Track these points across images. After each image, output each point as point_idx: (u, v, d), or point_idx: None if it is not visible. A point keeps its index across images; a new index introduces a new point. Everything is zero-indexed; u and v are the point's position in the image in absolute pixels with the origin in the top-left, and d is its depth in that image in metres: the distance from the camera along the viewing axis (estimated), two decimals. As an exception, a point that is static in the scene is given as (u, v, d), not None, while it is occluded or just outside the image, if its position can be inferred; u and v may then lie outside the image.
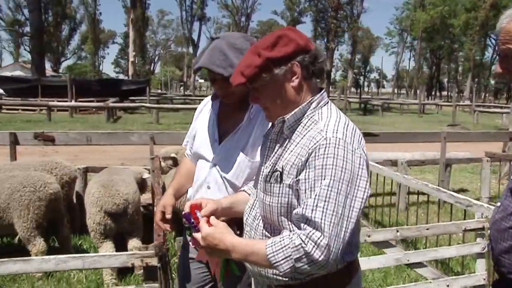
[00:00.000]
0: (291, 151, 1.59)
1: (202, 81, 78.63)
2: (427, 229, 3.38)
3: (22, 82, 26.98)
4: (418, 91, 38.99)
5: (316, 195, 1.45)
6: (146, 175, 4.56)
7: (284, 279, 1.59)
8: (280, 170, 1.58)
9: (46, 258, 2.66)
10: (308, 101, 1.63)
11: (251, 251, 1.54)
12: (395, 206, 6.44)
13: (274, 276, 1.61)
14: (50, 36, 50.63)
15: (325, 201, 1.44)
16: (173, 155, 4.75)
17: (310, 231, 1.43)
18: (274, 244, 1.48)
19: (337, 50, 44.49)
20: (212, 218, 1.68)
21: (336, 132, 1.53)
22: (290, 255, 1.44)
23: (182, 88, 54.31)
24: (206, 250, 1.65)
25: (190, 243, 1.77)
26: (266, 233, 1.67)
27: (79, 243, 5.00)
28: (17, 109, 24.42)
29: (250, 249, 1.54)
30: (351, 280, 1.67)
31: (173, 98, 34.11)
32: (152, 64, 79.32)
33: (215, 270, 2.00)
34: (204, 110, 2.31)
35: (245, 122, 2.12)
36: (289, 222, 1.58)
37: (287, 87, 1.61)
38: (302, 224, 1.47)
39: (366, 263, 3.30)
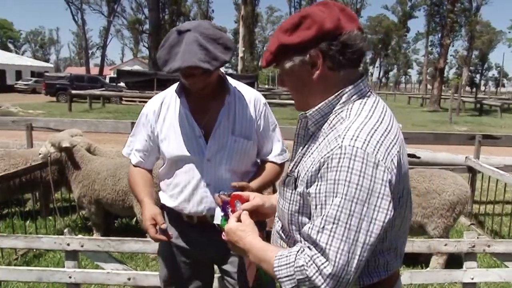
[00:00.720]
0: (311, 154, 1.37)
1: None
2: (559, 244, 3.06)
3: (141, 75, 29.05)
4: (545, 91, 35.22)
5: (324, 215, 1.22)
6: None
7: None
8: (296, 175, 1.39)
9: (163, 240, 2.84)
10: (337, 94, 1.36)
11: (263, 258, 1.37)
12: (516, 216, 5.90)
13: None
14: (166, 33, 53.86)
15: (333, 223, 1.20)
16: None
17: (315, 254, 1.22)
18: (281, 258, 1.29)
19: (452, 46, 41.66)
20: (243, 214, 1.55)
21: (355, 140, 1.23)
22: (293, 274, 1.25)
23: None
24: (228, 245, 1.54)
25: (223, 234, 1.65)
26: (282, 234, 1.53)
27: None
28: (135, 101, 26.41)
29: (262, 256, 1.37)
30: None
31: (280, 93, 34.59)
32: (260, 60, 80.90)
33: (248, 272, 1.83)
34: (163, 111, 2.12)
35: (225, 107, 2.05)
36: (298, 233, 1.39)
37: (306, 79, 1.37)
38: (309, 245, 1.25)
39: (482, 275, 3.09)
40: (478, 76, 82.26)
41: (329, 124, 1.35)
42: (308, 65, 1.35)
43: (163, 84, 26.55)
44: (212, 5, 59.53)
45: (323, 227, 1.21)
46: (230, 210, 1.65)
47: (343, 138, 1.25)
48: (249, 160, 2.14)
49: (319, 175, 1.27)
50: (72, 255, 2.81)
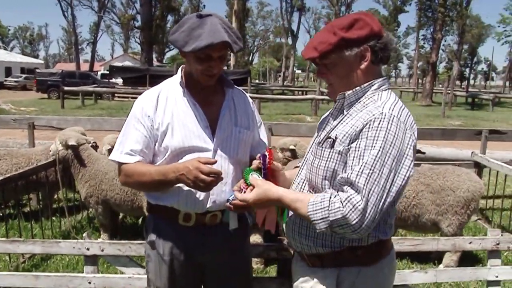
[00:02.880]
0: (347, 123, 1.66)
1: (300, 71, 78.49)
2: None
3: (133, 71, 28.78)
4: (535, 85, 35.43)
5: (363, 162, 1.52)
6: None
7: (316, 247, 1.72)
8: (333, 138, 1.67)
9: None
10: (369, 83, 1.70)
11: (294, 207, 1.64)
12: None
13: (305, 244, 1.75)
14: (156, 28, 53.46)
15: (370, 169, 1.51)
16: (292, 147, 4.72)
17: (351, 195, 1.51)
18: (315, 204, 1.56)
19: (445, 41, 41.70)
20: (253, 179, 1.76)
21: (392, 110, 1.60)
22: (328, 216, 1.53)
23: (280, 78, 54.76)
24: (257, 206, 1.75)
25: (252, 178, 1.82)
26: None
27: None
28: (127, 97, 26.20)
29: (294, 205, 1.64)
30: (380, 260, 1.74)
31: (273, 88, 34.57)
32: (251, 55, 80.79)
33: (261, 221, 1.99)
34: (162, 102, 2.05)
35: (227, 99, 2.11)
36: (331, 187, 1.66)
37: (355, 68, 1.69)
38: (345, 187, 1.54)
39: (506, 272, 3.06)
40: (467, 70, 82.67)
41: (362, 104, 1.67)
42: (358, 57, 1.68)
43: (155, 80, 26.37)
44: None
45: (362, 171, 1.51)
46: (268, 163, 1.84)
47: (383, 108, 1.60)
48: (248, 153, 2.16)
49: (360, 134, 1.57)
50: (92, 259, 2.73)
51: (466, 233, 5.11)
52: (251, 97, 2.31)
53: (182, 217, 2.06)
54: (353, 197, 1.50)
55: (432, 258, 4.43)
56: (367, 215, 1.49)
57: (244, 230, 2.19)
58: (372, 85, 1.70)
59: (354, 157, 1.56)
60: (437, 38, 31.04)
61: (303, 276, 1.82)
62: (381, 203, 1.51)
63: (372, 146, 1.53)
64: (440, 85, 38.14)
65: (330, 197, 1.55)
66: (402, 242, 2.84)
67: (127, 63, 49.49)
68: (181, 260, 2.10)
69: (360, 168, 1.52)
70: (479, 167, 5.94)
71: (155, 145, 2.04)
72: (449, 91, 26.63)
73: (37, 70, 33.51)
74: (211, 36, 1.86)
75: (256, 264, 4.09)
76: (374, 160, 1.52)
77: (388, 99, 1.66)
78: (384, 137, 1.54)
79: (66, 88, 22.78)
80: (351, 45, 1.66)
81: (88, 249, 2.69)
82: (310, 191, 1.77)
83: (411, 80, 67.84)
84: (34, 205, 5.61)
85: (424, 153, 6.63)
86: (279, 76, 58.90)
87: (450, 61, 70.94)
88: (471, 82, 76.34)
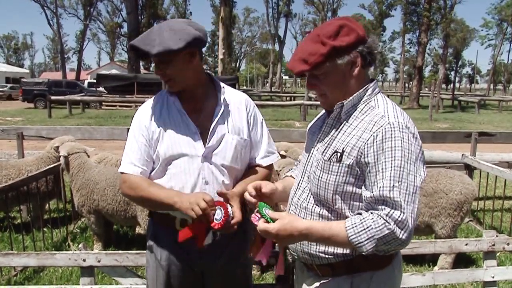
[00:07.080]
0: (349, 133, 1.65)
1: (287, 77, 78.76)
2: None
3: (121, 79, 28.54)
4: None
5: (390, 176, 1.52)
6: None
7: (327, 257, 1.70)
8: (340, 151, 1.64)
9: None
10: (364, 88, 1.70)
11: (329, 235, 1.57)
12: (512, 212, 5.95)
13: (316, 256, 1.72)
14: (143, 36, 53.13)
15: (399, 181, 1.51)
16: (282, 152, 4.70)
17: (390, 211, 1.50)
18: (355, 226, 1.53)
19: (430, 44, 42.29)
20: (272, 213, 1.65)
21: (398, 118, 1.61)
22: (373, 235, 1.50)
23: (267, 84, 54.85)
24: (280, 238, 1.61)
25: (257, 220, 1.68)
26: (317, 209, 1.72)
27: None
28: (115, 106, 26.01)
29: (328, 233, 1.57)
30: (391, 261, 1.74)
31: (260, 94, 34.63)
32: (238, 61, 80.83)
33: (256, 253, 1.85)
34: (156, 112, 2.09)
35: (219, 105, 2.08)
36: (342, 201, 1.65)
37: (347, 75, 1.67)
38: (379, 206, 1.53)
39: (502, 273, 3.09)
40: (452, 73, 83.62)
41: (360, 111, 1.67)
42: (349, 64, 1.66)
43: (143, 88, 26.18)
44: (189, 7, 59.02)
45: (393, 185, 1.51)
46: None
47: (388, 116, 1.60)
48: (244, 160, 2.14)
49: (374, 146, 1.56)
50: (88, 271, 2.69)
51: (459, 235, 5.14)
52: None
53: (179, 222, 2.06)
54: (393, 212, 1.50)
55: (426, 259, 4.46)
56: (410, 225, 1.50)
57: (244, 236, 2.18)
58: (367, 90, 1.70)
59: (376, 171, 1.55)
60: (422, 42, 31.35)
61: (312, 285, 1.79)
62: (415, 210, 1.53)
63: (393, 157, 1.54)
64: (426, 89, 38.52)
65: (370, 217, 1.53)
66: (400, 246, 2.84)
67: (114, 71, 49.12)
68: (178, 266, 2.10)
69: (390, 183, 1.52)
70: (469, 169, 5.99)
71: (153, 152, 2.07)
72: (436, 95, 26.88)
73: (23, 80, 32.97)
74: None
75: (253, 270, 4.06)
76: (400, 171, 1.52)
77: (386, 104, 1.67)
78: (401, 146, 1.55)
79: (53, 97, 22.52)
80: (342, 53, 1.63)
81: (84, 260, 2.65)
82: (316, 205, 1.73)
83: (397, 84, 68.37)
84: (25, 216, 5.52)
85: (414, 156, 6.66)
86: (267, 82, 59.06)
87: (435, 64, 71.71)
88: (457, 85, 77.10)
